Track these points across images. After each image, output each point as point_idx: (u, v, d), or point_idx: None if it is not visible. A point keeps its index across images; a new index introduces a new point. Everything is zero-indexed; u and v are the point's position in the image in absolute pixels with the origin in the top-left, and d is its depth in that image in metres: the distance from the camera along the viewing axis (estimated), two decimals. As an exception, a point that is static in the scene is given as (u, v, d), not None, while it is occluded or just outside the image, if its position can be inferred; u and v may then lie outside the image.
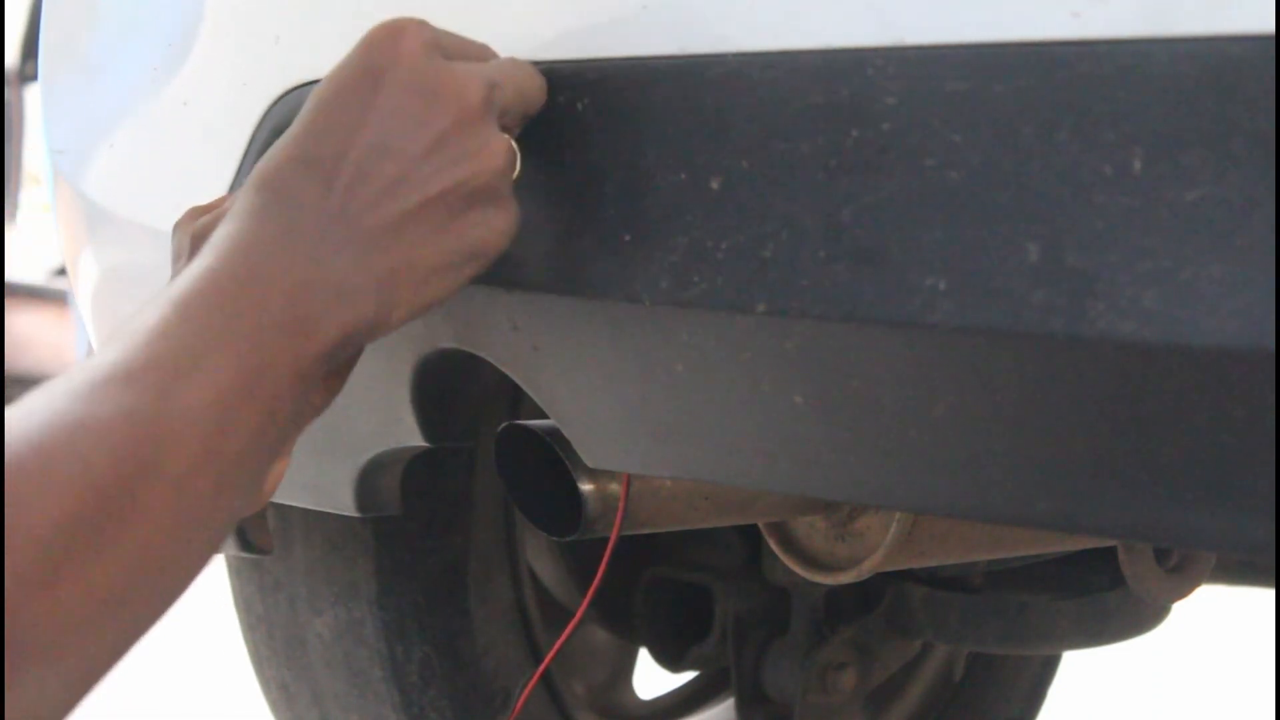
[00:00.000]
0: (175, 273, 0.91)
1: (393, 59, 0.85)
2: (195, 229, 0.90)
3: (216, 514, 0.77)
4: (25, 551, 0.69)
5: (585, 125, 0.89)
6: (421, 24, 0.86)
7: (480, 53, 0.90)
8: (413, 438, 1.11)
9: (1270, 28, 0.69)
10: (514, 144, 0.88)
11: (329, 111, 0.85)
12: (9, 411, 0.74)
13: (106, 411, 0.73)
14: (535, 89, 0.90)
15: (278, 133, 1.04)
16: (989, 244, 0.74)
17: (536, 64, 0.91)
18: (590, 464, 0.98)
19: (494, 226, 0.87)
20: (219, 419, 0.76)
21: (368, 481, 1.18)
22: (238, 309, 0.79)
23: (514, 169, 0.88)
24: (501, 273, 0.91)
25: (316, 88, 0.86)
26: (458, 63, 0.87)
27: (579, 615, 1.16)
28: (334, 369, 0.87)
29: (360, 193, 0.83)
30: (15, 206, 6.16)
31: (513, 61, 0.90)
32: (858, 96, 0.78)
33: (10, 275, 5.83)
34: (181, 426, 0.75)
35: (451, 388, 1.11)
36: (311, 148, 0.84)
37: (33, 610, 0.69)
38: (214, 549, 0.79)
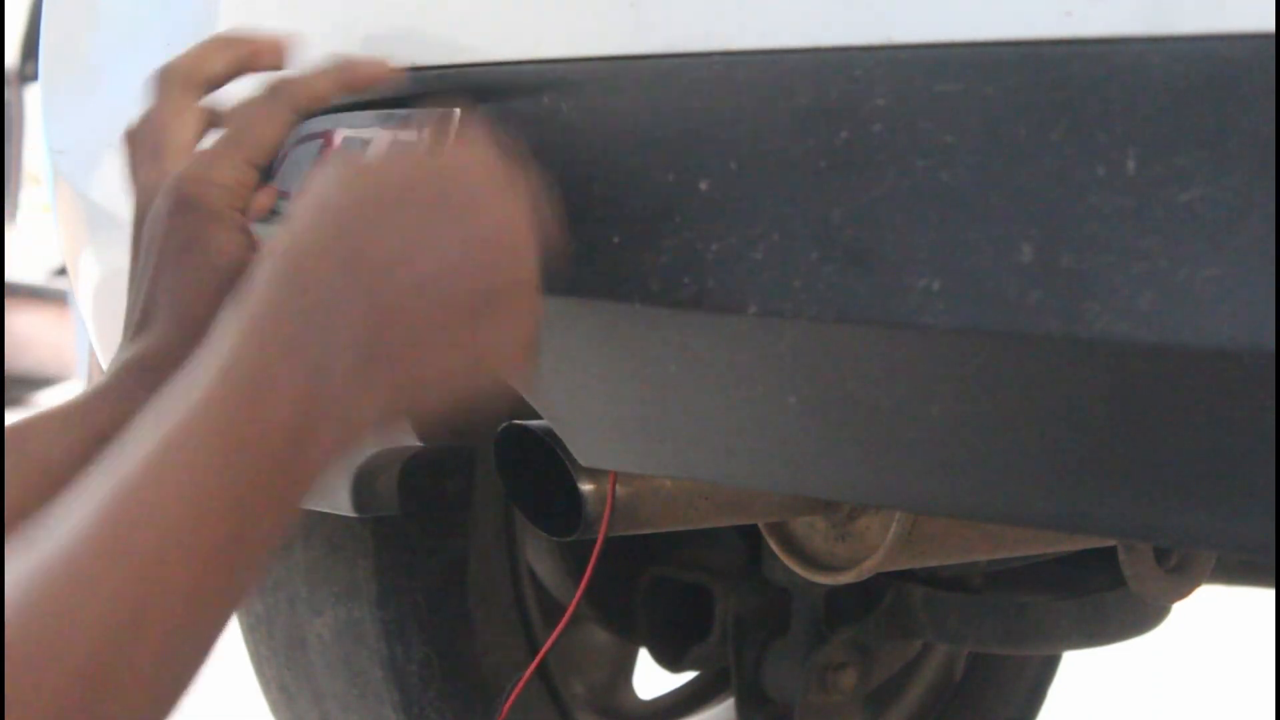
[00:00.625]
0: (132, 181, 0.94)
1: (468, 200, 0.81)
2: (137, 196, 0.93)
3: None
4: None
5: (572, 126, 0.89)
6: (495, 159, 0.83)
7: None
8: (407, 437, 1.11)
9: (1269, 27, 0.68)
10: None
11: (372, 215, 0.80)
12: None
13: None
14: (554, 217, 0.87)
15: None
16: (983, 245, 0.74)
17: (522, 63, 0.92)
18: (584, 464, 0.98)
19: (514, 337, 0.82)
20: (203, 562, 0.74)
21: (364, 481, 1.18)
22: (239, 448, 0.75)
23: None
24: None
25: (357, 180, 0.81)
26: (521, 210, 0.82)
27: (570, 610, 1.16)
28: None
29: (379, 299, 0.78)
30: (15, 206, 6.16)
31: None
32: (847, 97, 0.78)
33: (10, 275, 5.83)
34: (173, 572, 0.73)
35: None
36: (352, 245, 0.79)
37: None
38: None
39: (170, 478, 0.74)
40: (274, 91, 0.96)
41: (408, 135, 0.95)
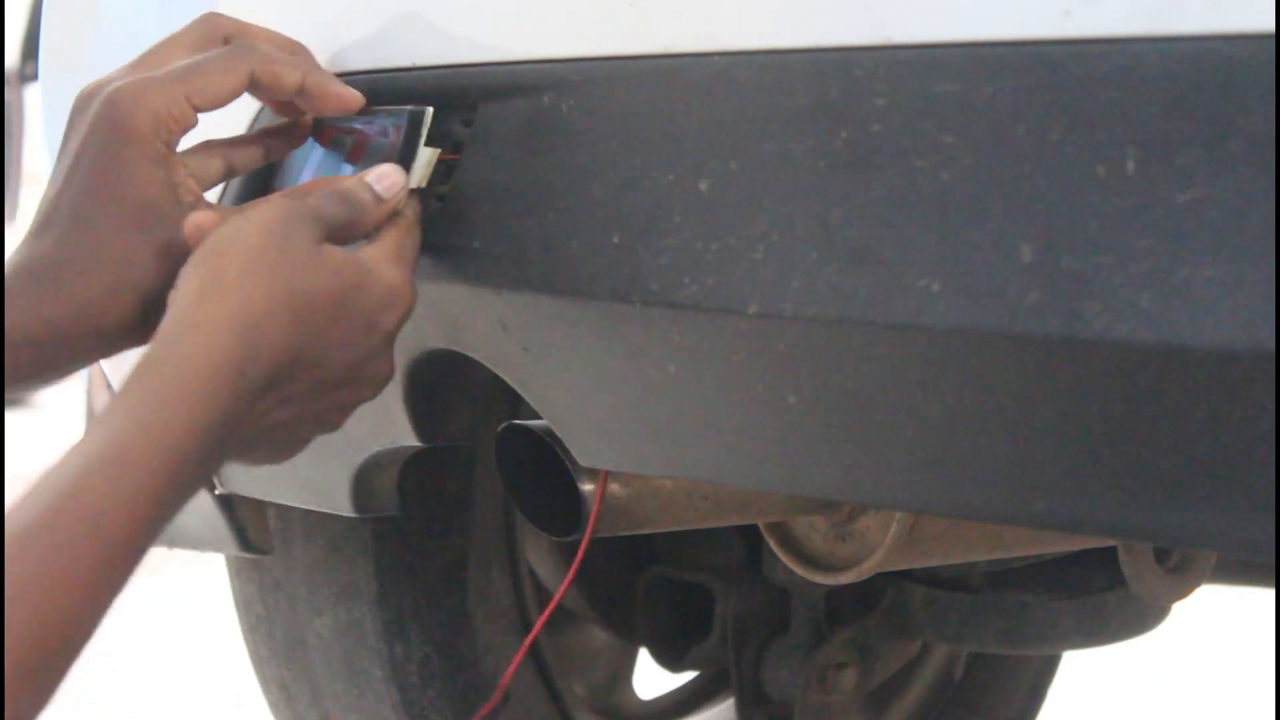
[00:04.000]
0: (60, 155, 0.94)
1: (363, 291, 0.89)
2: (79, 95, 0.94)
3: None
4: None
5: (572, 126, 0.89)
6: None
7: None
8: (407, 438, 1.11)
9: (1269, 27, 0.68)
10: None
11: (319, 323, 0.87)
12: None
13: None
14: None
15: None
16: (982, 245, 0.74)
17: (522, 63, 0.92)
18: (584, 464, 0.98)
19: (371, 386, 0.91)
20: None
21: (364, 482, 1.18)
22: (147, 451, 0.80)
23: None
24: (492, 274, 0.91)
25: (312, 283, 0.87)
26: (403, 272, 0.91)
27: (557, 597, 1.16)
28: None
29: (284, 407, 0.87)
30: (15, 206, 6.16)
31: (408, 220, 0.93)
32: (847, 97, 0.78)
33: (11, 275, 5.80)
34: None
35: (445, 388, 1.11)
36: (291, 353, 0.86)
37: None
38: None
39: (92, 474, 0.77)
40: (240, 49, 0.95)
41: (380, 138, 0.95)
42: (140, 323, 0.92)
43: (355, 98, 0.97)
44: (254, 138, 1.01)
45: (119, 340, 0.93)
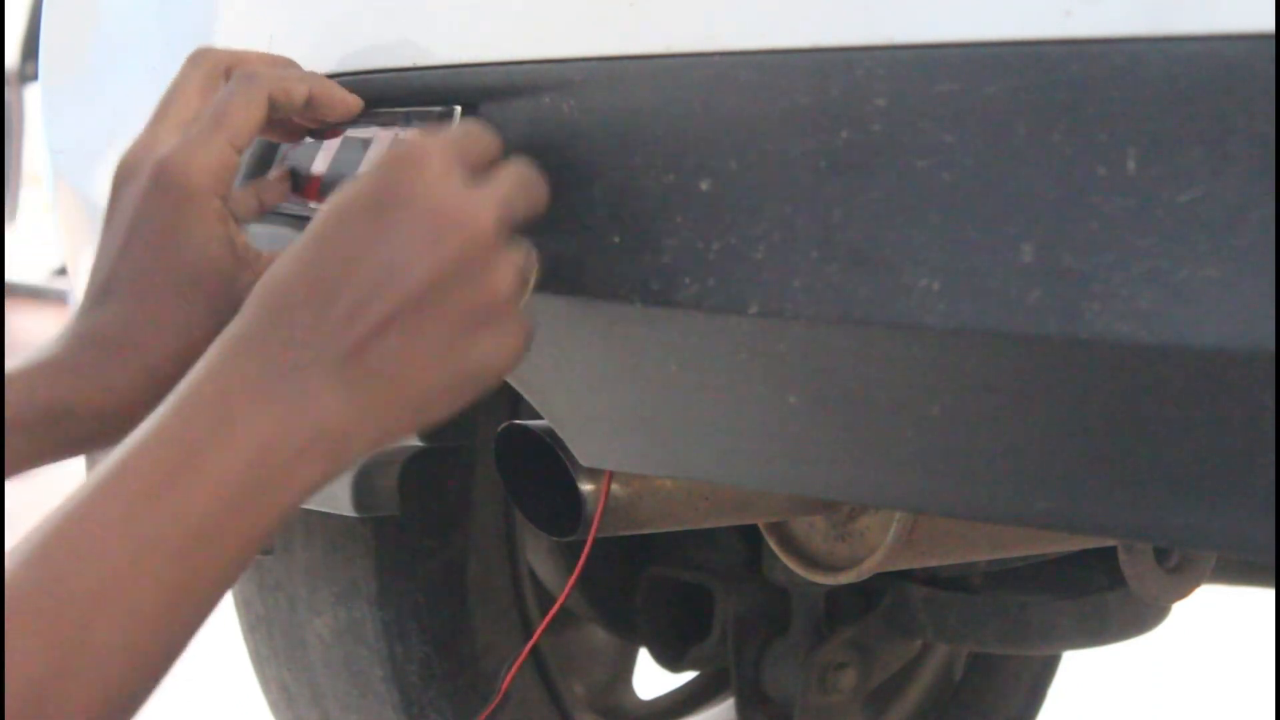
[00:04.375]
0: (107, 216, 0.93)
1: (410, 189, 0.81)
2: (120, 167, 0.92)
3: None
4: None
5: (573, 125, 0.89)
6: (444, 149, 0.83)
7: (492, 149, 0.87)
8: (407, 438, 1.11)
9: (1269, 27, 0.68)
10: (532, 252, 0.84)
11: (339, 233, 0.81)
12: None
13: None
14: (542, 196, 0.87)
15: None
16: (983, 245, 0.74)
17: (522, 63, 0.92)
18: (584, 464, 0.98)
19: (501, 349, 0.82)
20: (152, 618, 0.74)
21: (365, 481, 1.18)
22: (187, 488, 0.75)
23: (528, 286, 0.85)
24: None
25: (334, 201, 0.83)
26: (473, 191, 0.82)
27: (560, 601, 1.16)
28: None
29: (359, 323, 0.79)
30: (15, 206, 6.16)
31: (521, 172, 0.85)
32: (848, 96, 0.78)
33: (10, 275, 5.84)
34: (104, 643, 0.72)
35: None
36: (316, 269, 0.81)
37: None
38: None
39: (114, 514, 0.73)
40: (250, 79, 0.95)
41: (408, 135, 0.95)
42: None
43: (357, 102, 0.97)
44: (277, 171, 1.01)
45: None
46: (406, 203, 0.81)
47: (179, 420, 0.77)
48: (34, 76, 3.83)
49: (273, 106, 0.95)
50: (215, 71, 0.97)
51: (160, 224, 0.92)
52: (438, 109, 0.95)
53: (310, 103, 0.96)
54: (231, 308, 0.87)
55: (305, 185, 1.00)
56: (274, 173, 1.02)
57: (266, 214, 1.00)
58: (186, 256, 0.92)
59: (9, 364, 0.92)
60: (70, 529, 0.73)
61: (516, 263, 0.83)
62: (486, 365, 0.82)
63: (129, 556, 0.73)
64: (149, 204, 0.92)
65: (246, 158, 1.04)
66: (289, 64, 1.00)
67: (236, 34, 1.11)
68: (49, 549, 0.72)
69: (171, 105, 0.96)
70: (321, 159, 1.00)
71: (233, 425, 0.77)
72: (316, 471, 0.78)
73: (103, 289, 0.93)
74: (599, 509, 1.07)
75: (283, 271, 0.81)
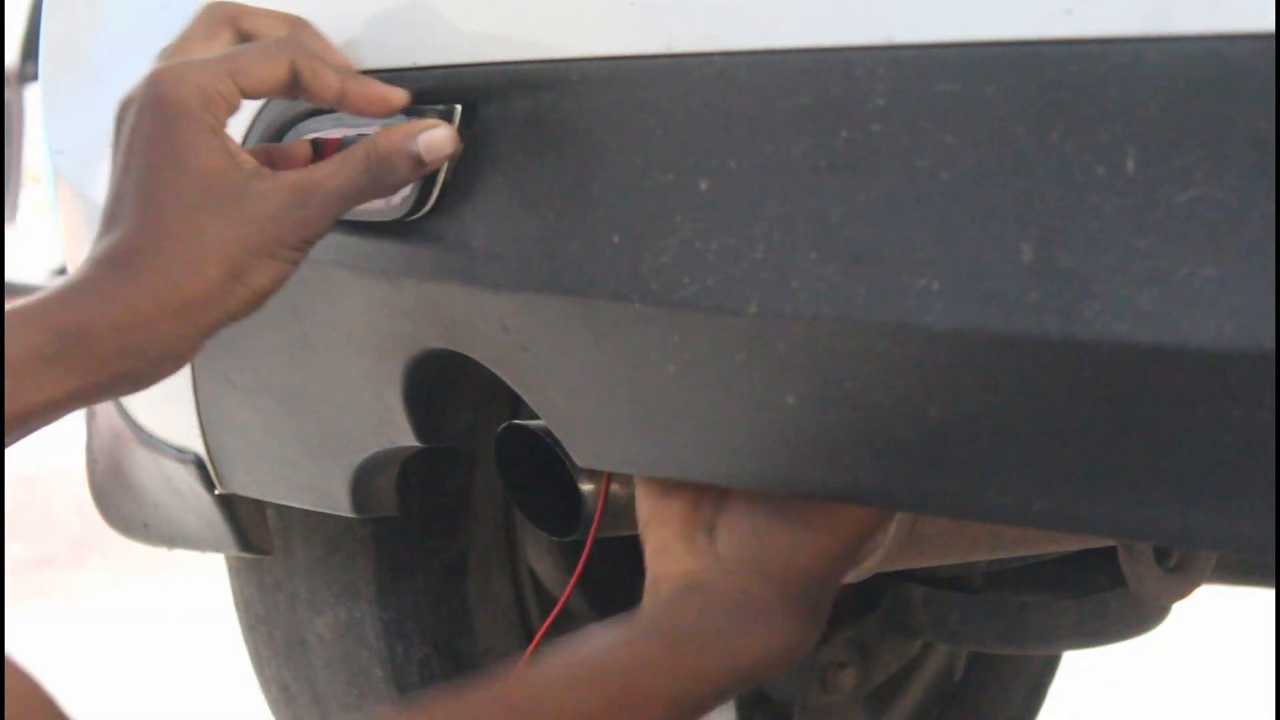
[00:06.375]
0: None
1: None
2: (121, 101, 0.93)
3: None
4: None
5: (573, 125, 0.89)
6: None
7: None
8: (406, 438, 1.11)
9: (1269, 27, 0.68)
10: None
11: None
12: None
13: None
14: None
15: (272, 130, 1.04)
16: (982, 244, 0.74)
17: (522, 63, 0.92)
18: (581, 464, 0.98)
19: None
20: None
21: (363, 482, 1.18)
22: None
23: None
24: (492, 274, 0.91)
25: None
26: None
27: (561, 603, 1.16)
28: None
29: None
30: (15, 206, 6.16)
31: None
32: (847, 96, 0.78)
33: (10, 275, 5.84)
34: None
35: (444, 388, 1.11)
36: None
37: None
38: None
39: None
40: (287, 43, 0.94)
41: None
42: (223, 294, 0.91)
43: (400, 96, 0.95)
44: (295, 139, 1.01)
45: (204, 315, 0.92)
46: None
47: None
48: (34, 76, 3.84)
49: (296, 81, 0.94)
50: (221, 20, 0.96)
51: (155, 140, 0.92)
52: (438, 108, 0.94)
53: (343, 98, 0.95)
54: (242, 216, 0.90)
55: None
56: (290, 139, 1.01)
57: None
58: (186, 167, 0.91)
59: (21, 300, 0.92)
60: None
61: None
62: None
63: None
64: (142, 122, 0.92)
65: (262, 131, 1.04)
66: (300, 23, 0.98)
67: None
68: None
69: (174, 48, 0.96)
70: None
71: None
72: None
73: (111, 212, 0.93)
74: (599, 509, 1.07)
75: None
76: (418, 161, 0.93)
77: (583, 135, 0.88)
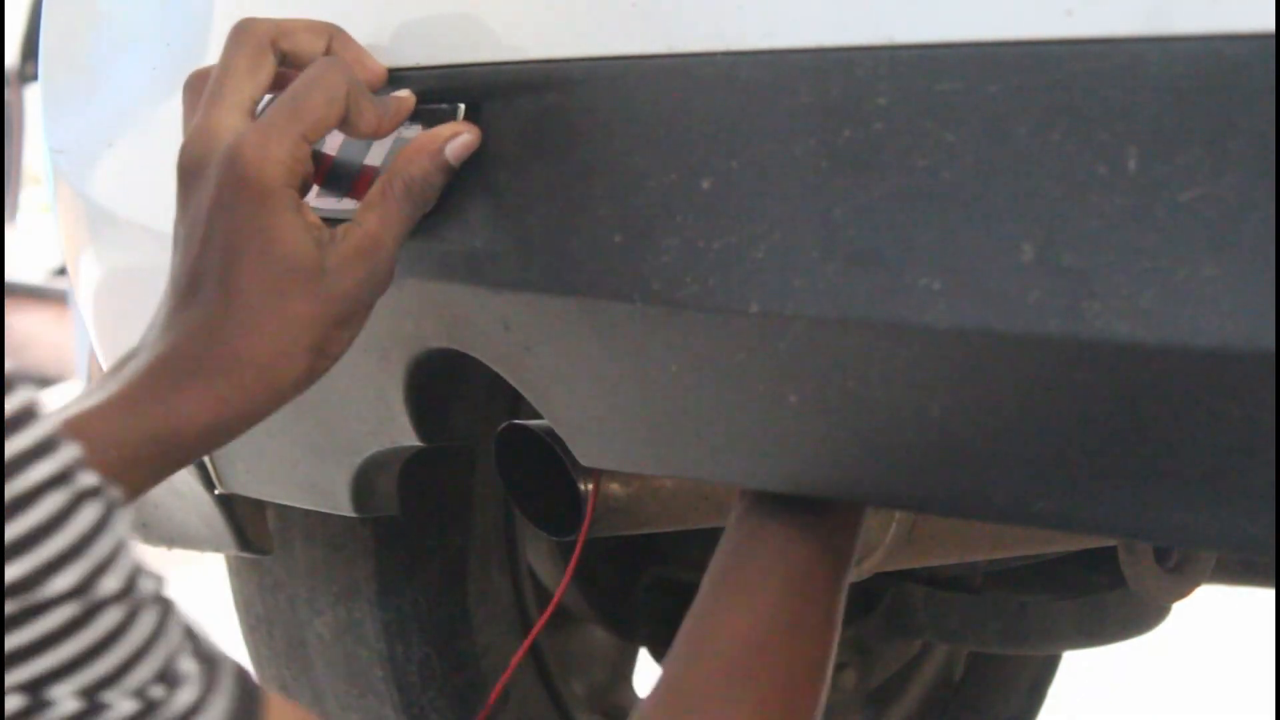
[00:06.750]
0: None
1: None
2: (183, 156, 0.92)
3: None
4: None
5: (575, 125, 0.89)
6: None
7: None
8: (407, 438, 1.11)
9: (1269, 27, 0.68)
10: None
11: None
12: None
13: None
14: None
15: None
16: (983, 244, 0.74)
17: (524, 63, 0.92)
18: (584, 463, 0.98)
19: None
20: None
21: (364, 482, 1.18)
22: None
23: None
24: (493, 273, 0.90)
25: None
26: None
27: (556, 599, 1.16)
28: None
29: None
30: (15, 206, 6.16)
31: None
32: (849, 96, 0.78)
33: (10, 275, 5.84)
34: None
35: (446, 387, 1.11)
36: None
37: None
38: None
39: None
40: (338, 76, 0.92)
41: (410, 134, 0.94)
42: (308, 371, 0.91)
43: (409, 101, 0.96)
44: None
45: (289, 394, 0.92)
46: None
47: None
48: (34, 76, 3.83)
49: (345, 117, 0.93)
50: (261, 47, 0.94)
51: (240, 221, 0.90)
52: (442, 107, 0.94)
53: (378, 134, 0.94)
54: (326, 295, 0.89)
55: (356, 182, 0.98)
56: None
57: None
58: (273, 252, 0.90)
59: (99, 393, 0.90)
60: None
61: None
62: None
63: None
64: (224, 199, 0.90)
65: None
66: (335, 31, 0.97)
67: (236, 34, 1.11)
68: None
69: (224, 87, 0.93)
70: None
71: None
72: None
73: (187, 286, 0.91)
74: (589, 509, 1.07)
75: None
76: (450, 170, 0.92)
77: (585, 135, 0.88)
